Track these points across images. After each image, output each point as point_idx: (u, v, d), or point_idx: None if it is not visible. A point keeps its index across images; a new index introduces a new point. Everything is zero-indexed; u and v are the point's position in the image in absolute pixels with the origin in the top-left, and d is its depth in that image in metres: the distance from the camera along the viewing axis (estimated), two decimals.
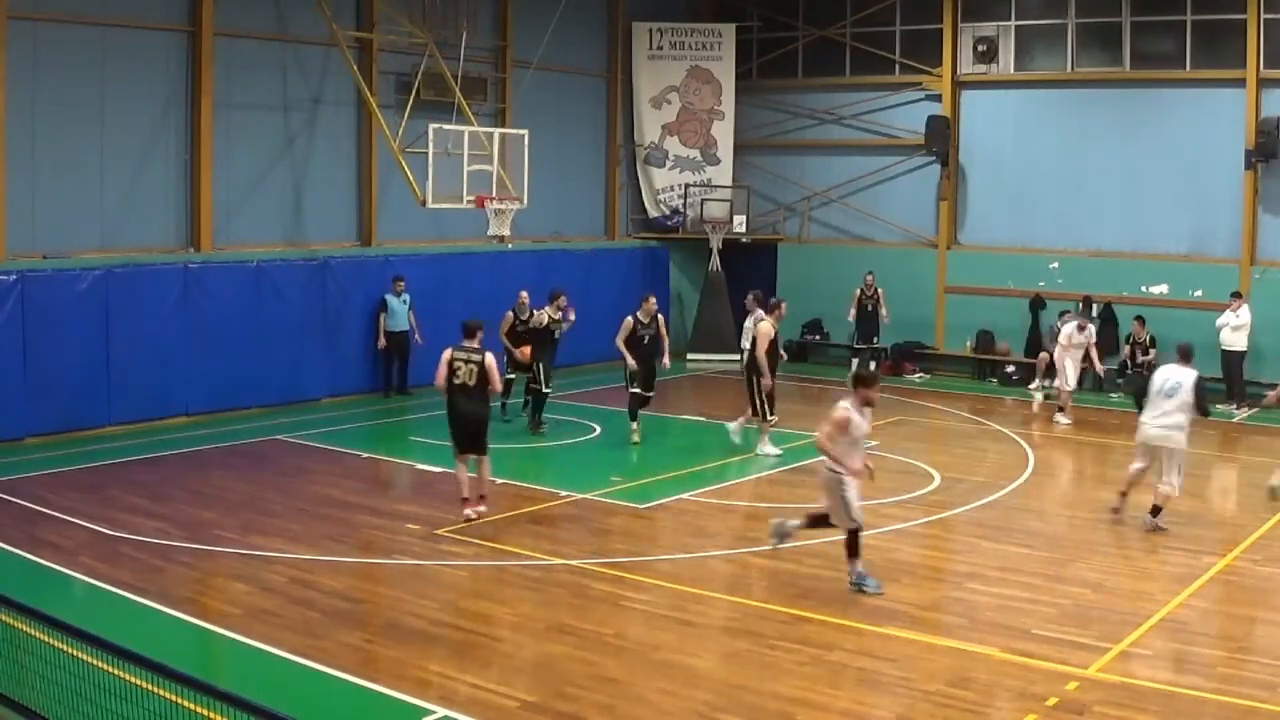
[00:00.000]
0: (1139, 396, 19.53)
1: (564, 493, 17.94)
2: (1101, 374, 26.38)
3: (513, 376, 22.82)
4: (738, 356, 22.69)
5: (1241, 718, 10.39)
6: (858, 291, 29.15)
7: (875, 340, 29.61)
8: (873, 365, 29.03)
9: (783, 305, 21.53)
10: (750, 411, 20.90)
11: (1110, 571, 14.56)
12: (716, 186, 33.17)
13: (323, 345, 24.56)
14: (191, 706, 8.20)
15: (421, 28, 25.45)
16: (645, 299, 21.65)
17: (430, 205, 23.64)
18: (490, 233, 24.40)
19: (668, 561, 14.81)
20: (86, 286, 21.11)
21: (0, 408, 20.12)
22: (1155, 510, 16.18)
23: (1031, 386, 28.09)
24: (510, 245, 25.51)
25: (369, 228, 26.67)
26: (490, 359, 15.87)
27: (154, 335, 22.00)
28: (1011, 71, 30.09)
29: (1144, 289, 28.07)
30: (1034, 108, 29.95)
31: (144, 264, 22.18)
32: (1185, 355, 16.61)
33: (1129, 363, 26.84)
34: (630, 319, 21.24)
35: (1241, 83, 26.83)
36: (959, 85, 30.72)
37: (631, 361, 20.99)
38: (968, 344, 30.16)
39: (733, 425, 21.33)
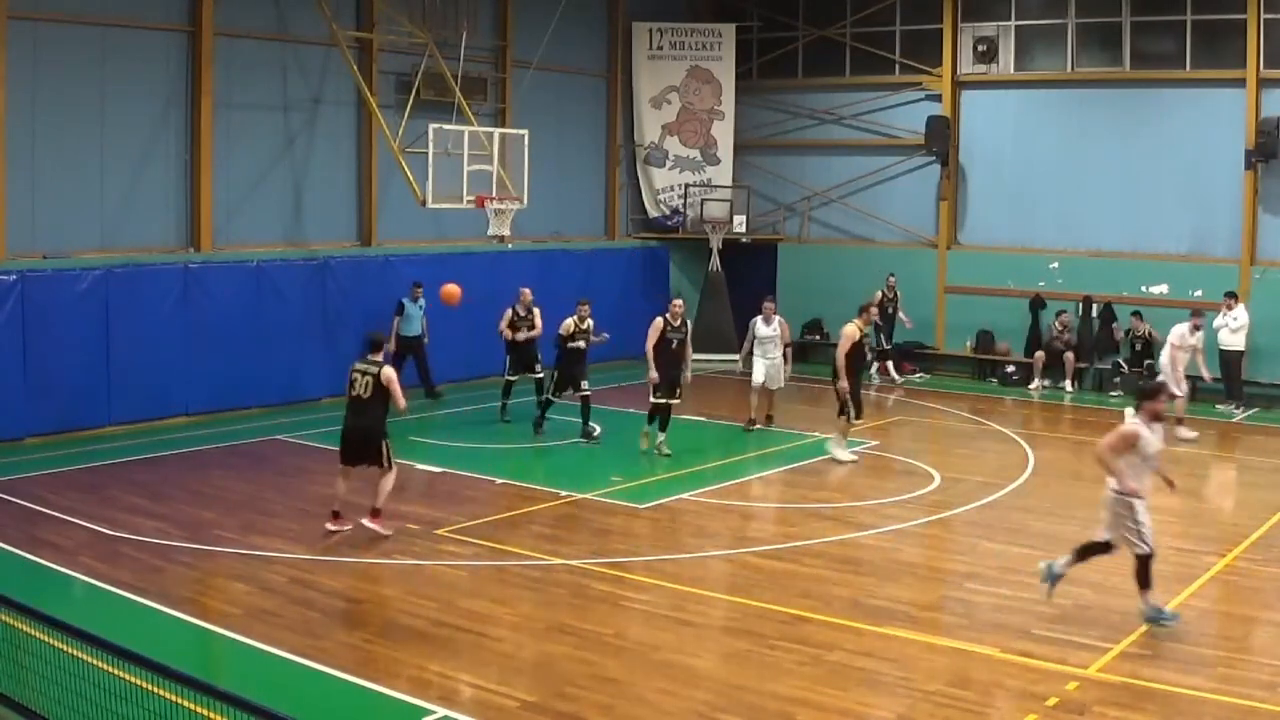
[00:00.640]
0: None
1: (564, 492, 17.94)
2: (1209, 379, 24.96)
3: (514, 378, 22.83)
4: (737, 357, 22.55)
5: (1241, 718, 10.40)
6: (879, 294, 29.10)
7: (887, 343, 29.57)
8: (1046, 381, 28.86)
9: (871, 310, 21.22)
10: (839, 414, 20.48)
11: (1110, 571, 14.52)
12: (716, 186, 33.16)
13: (323, 345, 24.52)
14: (191, 706, 8.21)
15: (421, 28, 25.45)
16: (673, 301, 21.37)
17: (430, 205, 23.63)
18: (490, 233, 24.40)
19: (668, 561, 14.81)
20: (86, 286, 21.10)
21: (0, 408, 20.10)
22: None
23: (1031, 386, 28.17)
24: (510, 245, 25.51)
25: (369, 228, 26.66)
26: (388, 373, 15.26)
27: (154, 335, 21.98)
28: (1011, 71, 30.09)
29: (1144, 289, 28.06)
30: (1034, 108, 29.95)
31: (144, 264, 22.18)
32: None
33: (1129, 359, 26.94)
34: (660, 320, 20.79)
35: (1241, 83, 26.82)
36: (959, 85, 30.72)
37: (654, 372, 20.45)
38: (968, 344, 30.15)
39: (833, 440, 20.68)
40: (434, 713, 10.17)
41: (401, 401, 15.41)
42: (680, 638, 12.28)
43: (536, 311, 22.82)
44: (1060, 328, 28.37)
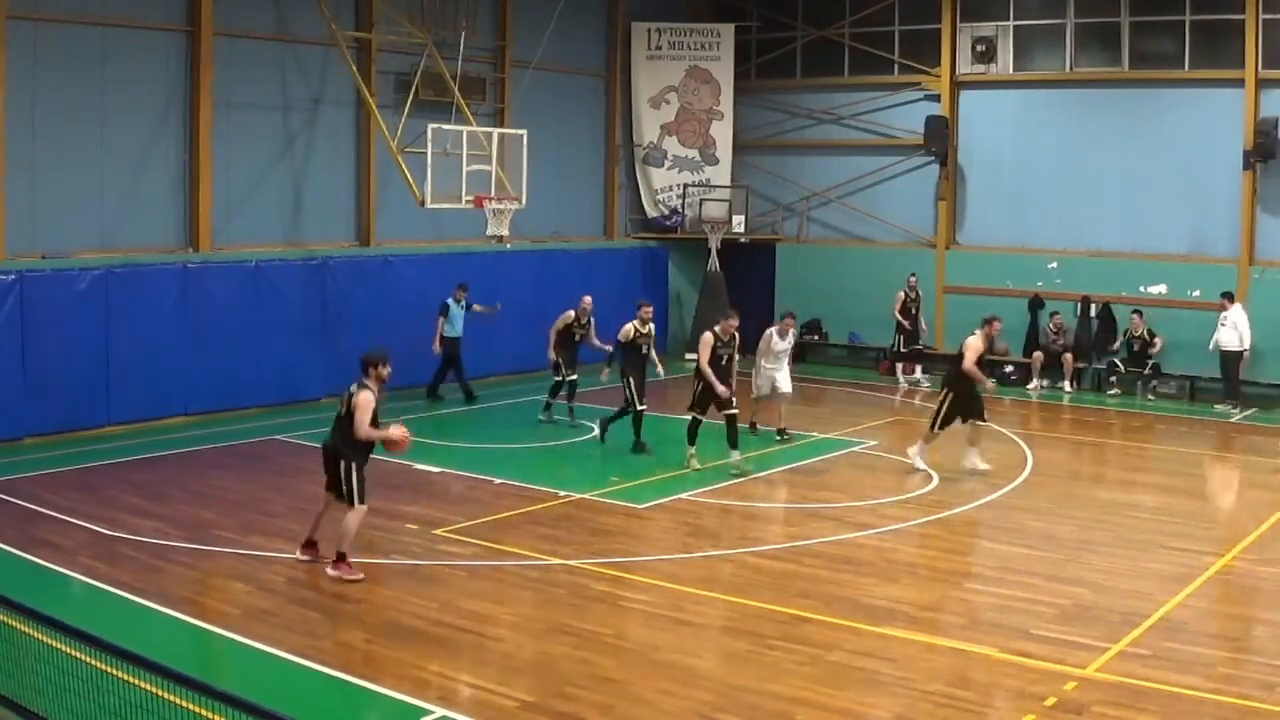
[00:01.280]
0: None
1: (563, 493, 17.93)
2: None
3: (561, 379, 22.85)
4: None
5: (1240, 718, 10.41)
6: (901, 294, 29.07)
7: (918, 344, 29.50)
8: (919, 372, 29.03)
9: (996, 324, 20.11)
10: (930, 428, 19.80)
11: (1108, 571, 14.57)
12: (715, 186, 33.17)
13: (321, 346, 24.52)
14: (191, 707, 8.20)
15: (421, 28, 25.45)
16: (728, 317, 19.81)
17: (429, 205, 23.64)
18: (489, 233, 24.41)
19: (667, 561, 14.82)
20: (86, 286, 21.09)
21: None
22: None
23: (1030, 387, 28.17)
24: (509, 245, 25.50)
25: (368, 228, 26.66)
26: (360, 398, 13.79)
27: (153, 335, 21.98)
28: (1010, 71, 30.11)
29: (1143, 289, 28.09)
30: (1033, 108, 29.96)
31: (143, 264, 22.17)
32: None
33: (1126, 359, 26.94)
34: (710, 335, 19.47)
35: (1240, 83, 26.85)
36: (958, 85, 30.74)
37: (720, 386, 19.02)
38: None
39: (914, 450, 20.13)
40: (433, 713, 10.18)
41: (360, 431, 13.73)
42: (679, 638, 12.29)
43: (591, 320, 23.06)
44: (1054, 330, 28.40)
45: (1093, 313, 28.38)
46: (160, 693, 8.20)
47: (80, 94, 21.76)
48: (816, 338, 32.38)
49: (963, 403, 19.61)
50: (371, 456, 14.25)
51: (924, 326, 29.40)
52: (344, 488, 13.93)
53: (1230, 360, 25.94)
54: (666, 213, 33.39)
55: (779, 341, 22.08)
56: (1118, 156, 28.56)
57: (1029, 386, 28.31)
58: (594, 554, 14.99)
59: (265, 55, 24.58)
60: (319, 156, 25.81)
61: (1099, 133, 28.82)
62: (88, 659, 8.96)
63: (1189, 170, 27.62)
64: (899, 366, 29.49)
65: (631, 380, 20.96)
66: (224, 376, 23.00)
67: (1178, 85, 27.91)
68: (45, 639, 9.35)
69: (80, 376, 21.08)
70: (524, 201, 24.71)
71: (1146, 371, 26.74)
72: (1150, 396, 26.94)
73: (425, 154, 23.21)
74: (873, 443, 22.10)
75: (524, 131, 25.14)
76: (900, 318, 29.02)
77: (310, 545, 14.43)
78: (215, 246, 23.74)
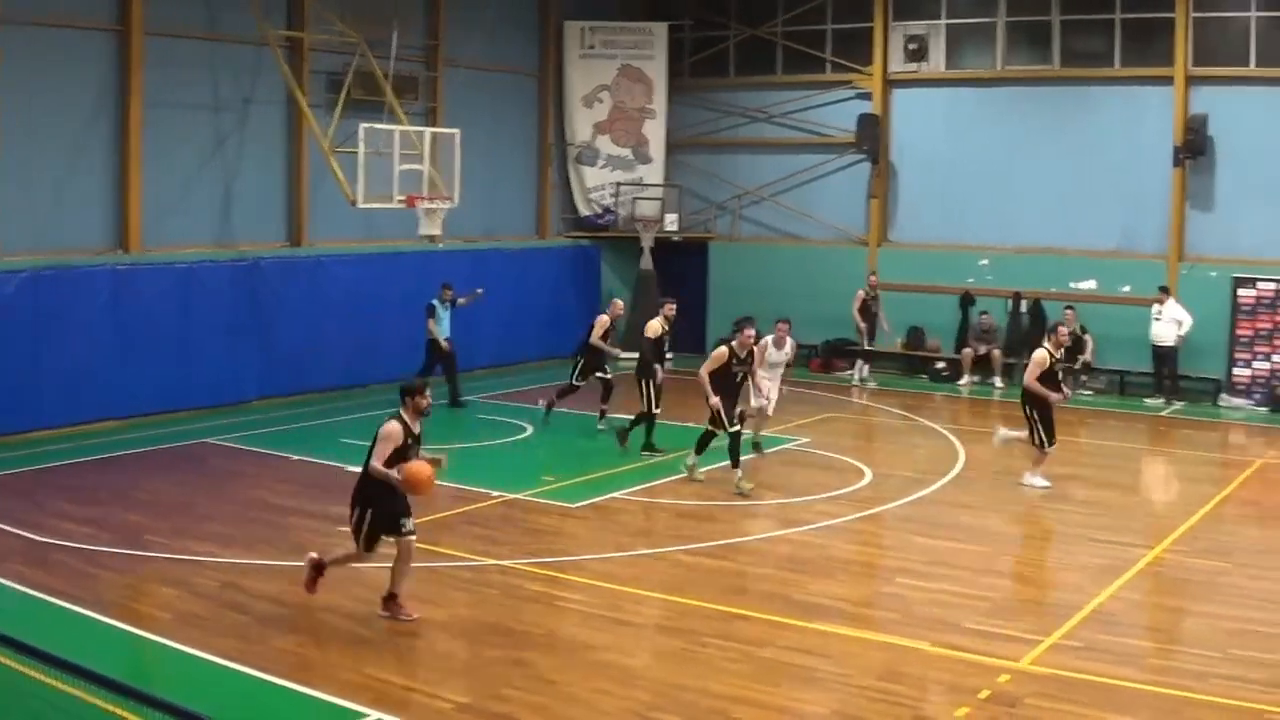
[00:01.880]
0: None
1: (495, 493, 17.88)
2: None
3: (581, 384, 22.85)
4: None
5: (1173, 708, 10.53)
6: (861, 293, 29.11)
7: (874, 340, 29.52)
8: (866, 370, 29.17)
9: (1062, 330, 19.32)
10: (1029, 438, 18.94)
11: (1040, 564, 14.72)
12: (648, 185, 33.22)
13: (254, 347, 24.36)
14: (122, 713, 8.13)
15: (353, 26, 25.30)
16: (744, 328, 18.35)
17: (361, 205, 23.54)
18: (421, 232, 24.35)
19: (601, 560, 14.81)
20: (14, 289, 20.81)
21: None
22: None
23: (961, 383, 28.37)
24: (441, 245, 25.43)
25: (299, 228, 26.48)
26: (385, 429, 12.51)
27: (83, 338, 21.71)
28: (942, 70, 30.32)
29: (1072, 285, 28.33)
30: (964, 106, 30.17)
31: (72, 266, 21.91)
32: None
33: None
34: (724, 350, 18.37)
35: (1170, 80, 27.16)
36: (890, 84, 30.91)
37: (715, 398, 18.06)
38: (898, 341, 30.25)
39: (1002, 433, 19.76)
40: (367, 715, 10.12)
41: (371, 465, 12.52)
42: (615, 637, 12.29)
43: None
44: (982, 329, 28.61)
45: (1023, 309, 28.62)
46: (91, 699, 8.12)
47: (7, 94, 21.44)
48: None
49: (1047, 413, 18.71)
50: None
51: (886, 326, 29.40)
52: (356, 531, 12.77)
53: (1165, 355, 26.21)
54: (599, 211, 33.39)
55: (775, 352, 20.65)
56: (1049, 154, 28.80)
57: (960, 382, 28.50)
58: (528, 554, 14.96)
59: (196, 55, 24.33)
60: (250, 157, 25.60)
61: (1030, 130, 29.05)
62: (19, 667, 8.87)
63: (1119, 167, 27.88)
64: (859, 364, 29.41)
65: (650, 383, 20.70)
66: (155, 379, 22.76)
67: (1108, 83, 28.21)
68: None
69: (9, 380, 20.77)
70: (456, 200, 24.66)
71: (1077, 367, 26.98)
72: (1083, 391, 27.19)
73: (357, 154, 23.13)
74: (805, 440, 22.17)
75: (456, 131, 25.10)
76: (859, 317, 29.02)
77: (390, 599, 12.75)
78: (146, 248, 23.51)
